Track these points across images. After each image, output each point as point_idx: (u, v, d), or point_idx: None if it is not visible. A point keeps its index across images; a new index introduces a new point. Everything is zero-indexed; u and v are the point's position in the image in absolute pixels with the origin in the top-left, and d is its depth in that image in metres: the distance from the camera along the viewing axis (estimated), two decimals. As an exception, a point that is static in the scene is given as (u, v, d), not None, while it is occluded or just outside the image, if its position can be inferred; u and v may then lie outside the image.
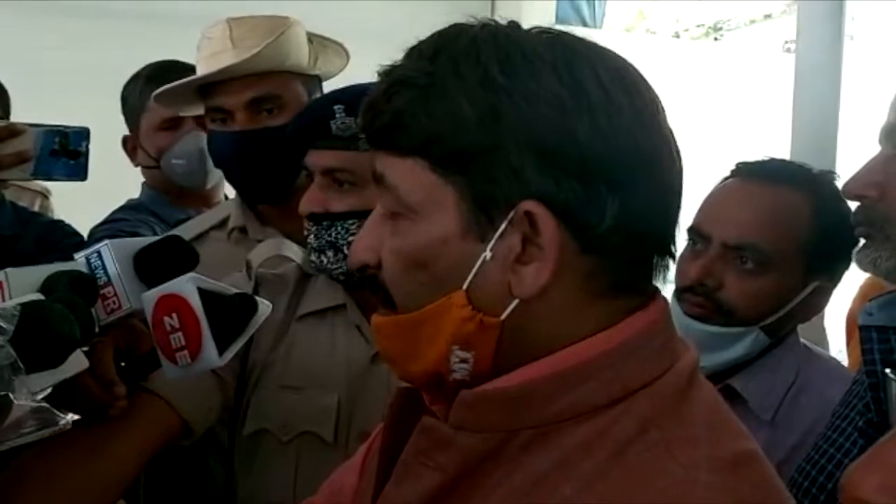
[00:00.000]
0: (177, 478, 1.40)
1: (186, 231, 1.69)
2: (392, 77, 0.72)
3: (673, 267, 0.78)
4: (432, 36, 0.73)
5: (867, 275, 1.92)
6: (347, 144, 1.25)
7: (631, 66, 0.73)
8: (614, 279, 0.72)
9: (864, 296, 1.91)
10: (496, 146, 0.67)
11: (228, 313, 0.96)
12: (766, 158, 1.40)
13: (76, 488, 1.05)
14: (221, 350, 0.95)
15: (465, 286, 0.70)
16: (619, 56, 0.74)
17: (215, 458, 1.37)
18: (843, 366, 1.50)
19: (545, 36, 0.71)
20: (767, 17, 8.05)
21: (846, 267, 1.37)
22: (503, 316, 0.70)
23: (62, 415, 0.71)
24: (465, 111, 0.68)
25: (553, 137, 0.67)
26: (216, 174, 1.95)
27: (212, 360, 0.95)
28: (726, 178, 1.40)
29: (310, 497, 0.98)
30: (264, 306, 1.02)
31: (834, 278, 1.36)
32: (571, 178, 0.67)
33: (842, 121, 2.25)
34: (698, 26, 8.53)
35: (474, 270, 0.69)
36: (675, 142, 0.74)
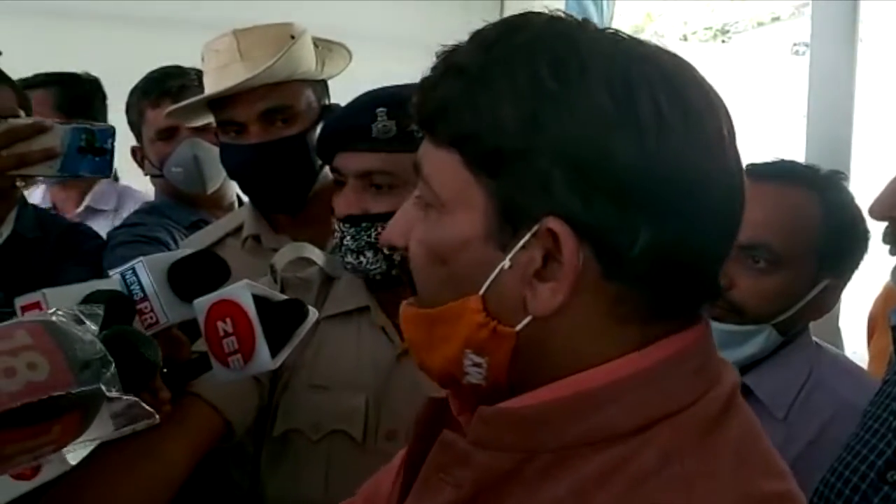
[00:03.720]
0: (200, 483, 1.41)
1: (202, 238, 1.71)
2: (450, 60, 0.69)
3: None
4: (498, 23, 0.70)
5: (888, 277, 1.93)
6: (387, 146, 1.25)
7: (703, 88, 0.68)
8: (646, 305, 0.67)
9: (887, 297, 1.91)
10: (530, 154, 0.64)
11: (280, 318, 0.99)
12: (775, 159, 1.41)
13: (129, 492, 1.08)
14: (273, 353, 0.98)
15: (481, 292, 0.68)
16: (690, 75, 0.68)
17: (238, 462, 1.38)
18: (855, 363, 1.51)
19: (610, 42, 0.67)
20: (775, 19, 8.05)
21: (856, 265, 1.38)
22: (518, 328, 0.68)
23: (150, 409, 0.71)
24: (507, 112, 0.65)
25: (591, 154, 0.63)
26: (217, 178, 1.96)
27: (265, 363, 0.97)
28: None
29: (349, 498, 0.98)
30: (313, 312, 1.04)
31: (843, 276, 1.37)
32: (604, 199, 0.63)
33: (855, 123, 2.24)
34: (706, 29, 8.52)
35: (491, 278, 0.67)
36: (740, 175, 0.70)
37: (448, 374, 0.72)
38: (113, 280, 1.00)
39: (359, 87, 1.35)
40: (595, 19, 5.40)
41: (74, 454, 0.74)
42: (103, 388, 0.66)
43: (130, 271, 1.00)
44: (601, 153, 0.63)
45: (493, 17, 0.74)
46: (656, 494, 0.64)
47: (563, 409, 0.67)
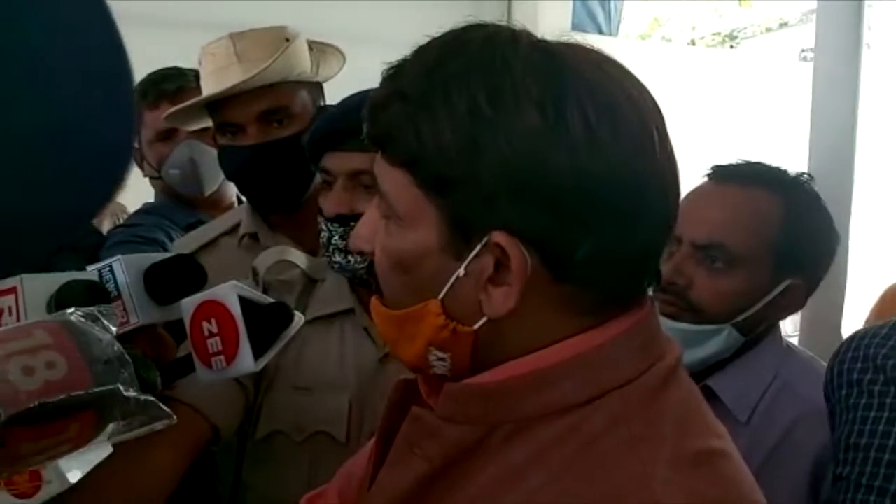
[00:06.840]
0: (186, 481, 1.41)
1: (198, 237, 1.72)
2: (395, 85, 0.73)
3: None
4: (439, 43, 0.74)
5: (886, 284, 1.92)
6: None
7: (630, 92, 0.72)
8: (597, 299, 0.74)
9: (880, 309, 1.90)
10: (473, 176, 0.69)
11: (266, 321, 1.00)
12: (741, 161, 1.41)
13: (119, 501, 1.07)
14: (256, 357, 0.98)
15: (440, 297, 0.73)
16: (619, 81, 0.72)
17: (223, 460, 1.39)
18: (824, 365, 1.49)
19: (542, 58, 0.70)
20: (783, 25, 8.03)
21: (821, 267, 1.37)
22: (475, 327, 0.73)
23: (167, 409, 0.72)
24: (448, 139, 0.69)
25: (529, 173, 0.68)
26: (215, 180, 1.97)
27: (247, 366, 0.97)
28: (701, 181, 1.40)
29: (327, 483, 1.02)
30: (299, 317, 1.05)
31: (808, 278, 1.36)
32: (544, 213, 0.68)
33: (860, 129, 2.23)
34: (714, 34, 8.52)
35: (448, 284, 0.73)
36: (672, 169, 0.74)
37: (416, 366, 0.79)
38: (90, 274, 1.00)
39: (361, 88, 1.35)
40: (603, 24, 5.39)
41: (75, 472, 0.76)
42: (121, 387, 0.66)
43: (108, 269, 1.00)
44: (537, 170, 0.68)
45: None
46: (605, 451, 0.71)
47: (522, 385, 0.73)
